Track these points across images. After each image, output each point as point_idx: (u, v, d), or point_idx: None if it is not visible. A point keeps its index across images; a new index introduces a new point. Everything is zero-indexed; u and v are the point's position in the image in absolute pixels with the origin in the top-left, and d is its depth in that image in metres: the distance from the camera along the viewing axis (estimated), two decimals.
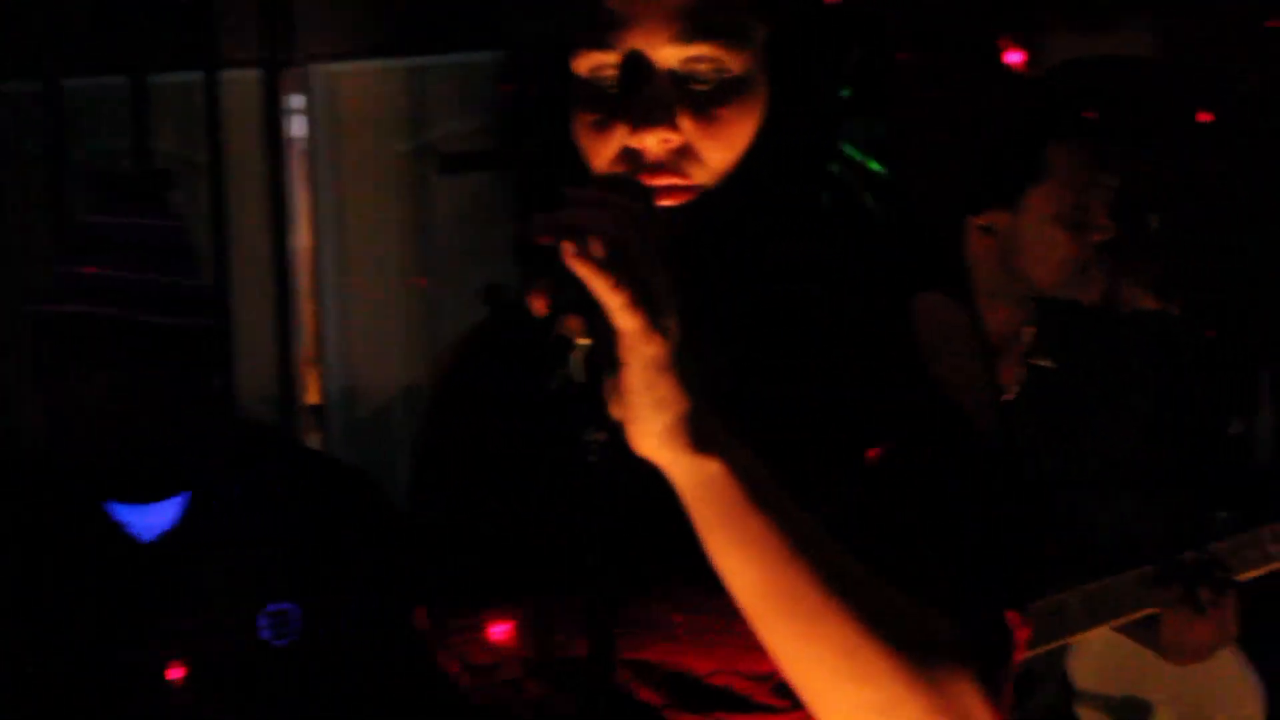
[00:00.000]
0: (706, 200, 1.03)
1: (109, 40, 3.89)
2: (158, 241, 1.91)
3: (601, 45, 1.00)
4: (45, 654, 1.83)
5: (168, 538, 1.91)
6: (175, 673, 1.81)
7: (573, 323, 0.89)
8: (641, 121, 0.99)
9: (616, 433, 0.92)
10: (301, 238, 4.03)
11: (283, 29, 3.86)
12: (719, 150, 1.02)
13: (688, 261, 0.97)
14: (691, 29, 0.99)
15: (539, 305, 0.87)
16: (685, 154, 1.02)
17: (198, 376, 1.91)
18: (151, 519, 1.92)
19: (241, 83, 3.89)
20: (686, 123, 1.00)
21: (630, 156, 1.02)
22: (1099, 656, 2.30)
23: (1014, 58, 2.84)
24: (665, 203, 1.01)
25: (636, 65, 1.00)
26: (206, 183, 3.84)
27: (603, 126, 1.02)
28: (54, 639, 1.85)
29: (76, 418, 1.83)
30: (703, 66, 1.00)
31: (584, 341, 0.89)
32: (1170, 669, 2.21)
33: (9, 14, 3.72)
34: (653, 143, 0.99)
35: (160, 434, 1.85)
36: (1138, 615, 2.07)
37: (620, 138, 1.01)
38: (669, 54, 0.99)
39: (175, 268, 1.90)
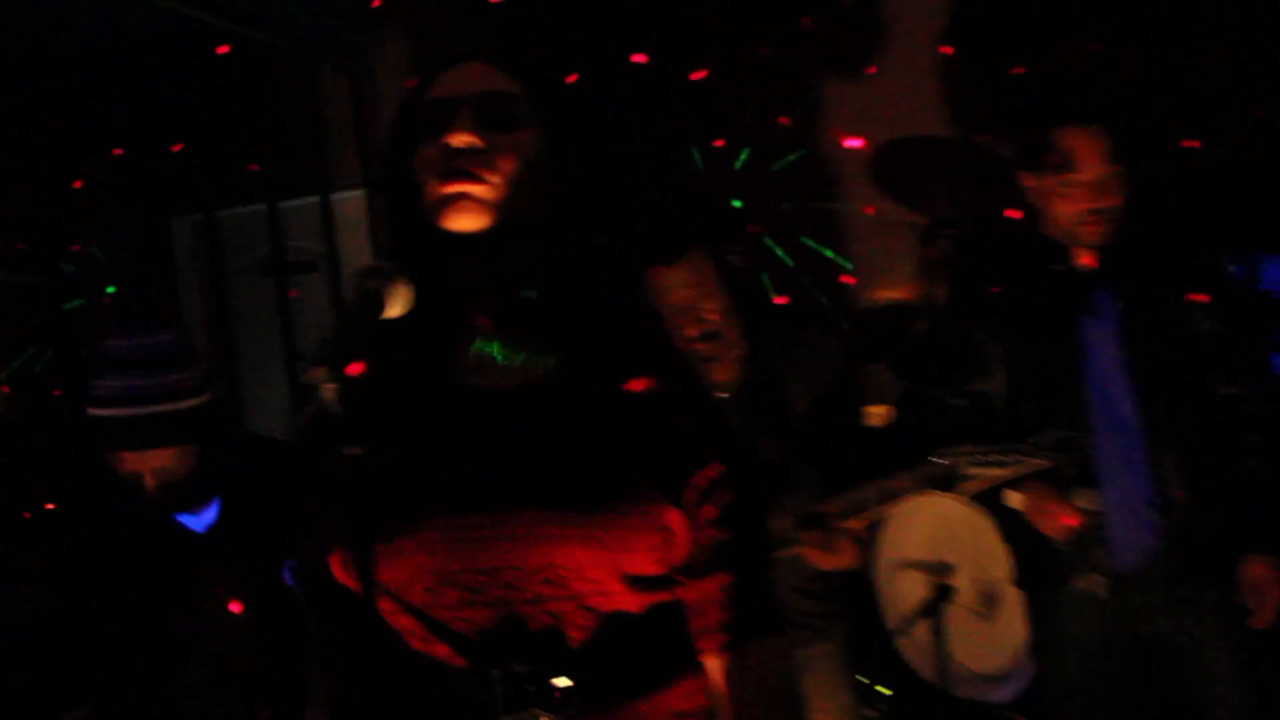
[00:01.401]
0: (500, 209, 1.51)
1: (250, 176, 5.07)
2: (160, 352, 2.46)
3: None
4: (124, 619, 2.54)
5: (212, 530, 2.58)
6: (235, 607, 2.49)
7: (317, 373, 1.33)
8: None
9: (374, 443, 1.35)
10: None
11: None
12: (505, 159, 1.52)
13: (501, 270, 1.53)
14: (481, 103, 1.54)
15: (317, 374, 1.33)
16: (481, 155, 1.51)
17: (209, 431, 2.50)
18: (200, 520, 2.59)
19: (348, 200, 5.24)
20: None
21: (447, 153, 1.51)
22: (925, 522, 3.51)
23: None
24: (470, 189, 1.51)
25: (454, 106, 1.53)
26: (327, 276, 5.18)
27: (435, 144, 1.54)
28: (129, 609, 2.56)
29: (135, 481, 2.46)
30: (496, 107, 1.54)
31: (330, 386, 1.32)
32: (967, 539, 3.44)
33: (173, 161, 4.91)
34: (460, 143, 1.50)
35: (194, 471, 2.46)
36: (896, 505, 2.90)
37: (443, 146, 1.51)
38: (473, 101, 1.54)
39: (178, 366, 2.47)
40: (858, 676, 3.43)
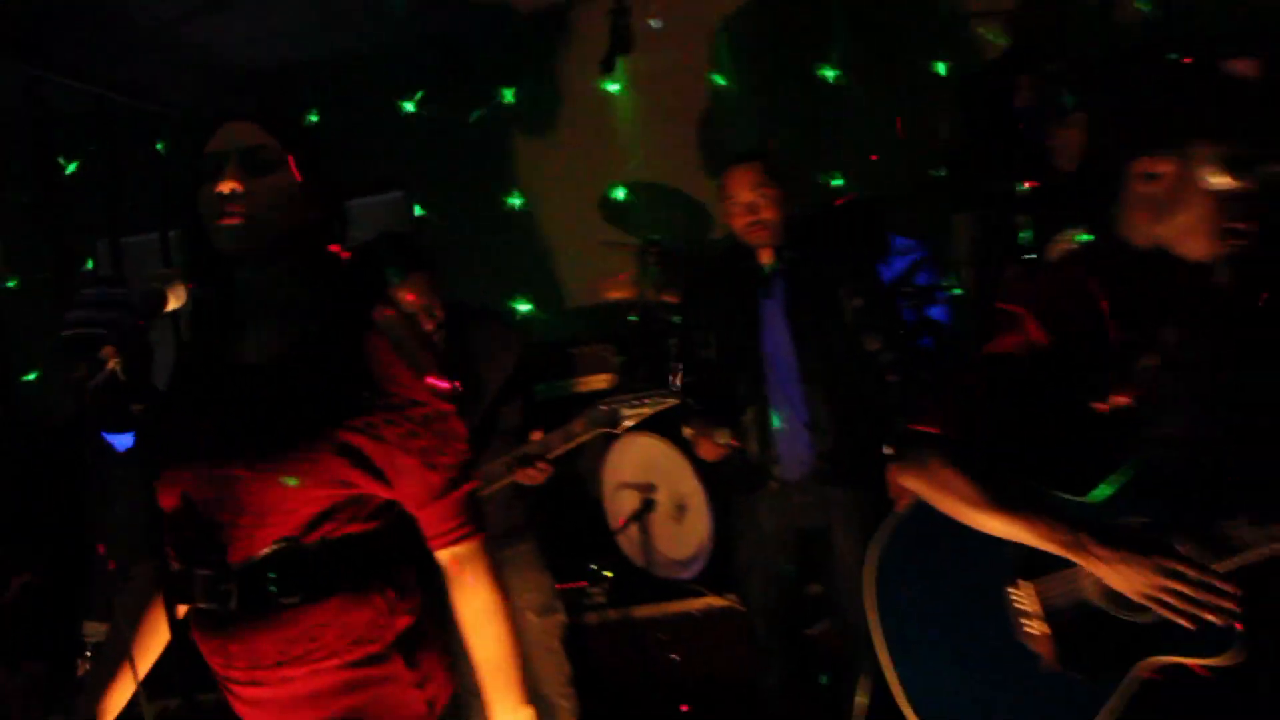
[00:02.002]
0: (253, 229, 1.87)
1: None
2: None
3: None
4: None
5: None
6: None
7: (108, 350, 1.66)
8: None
9: (152, 400, 1.67)
10: None
11: None
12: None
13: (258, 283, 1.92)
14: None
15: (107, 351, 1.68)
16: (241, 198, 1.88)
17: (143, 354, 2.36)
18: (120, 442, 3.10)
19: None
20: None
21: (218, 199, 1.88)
22: (635, 454, 4.74)
23: None
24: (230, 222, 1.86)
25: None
26: None
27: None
28: None
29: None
30: (255, 156, 1.91)
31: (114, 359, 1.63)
32: (665, 465, 4.69)
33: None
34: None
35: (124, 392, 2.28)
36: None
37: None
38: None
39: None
40: (591, 566, 4.61)
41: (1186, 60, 2.07)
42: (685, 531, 4.69)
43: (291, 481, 1.86)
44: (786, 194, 3.86)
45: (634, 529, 4.67)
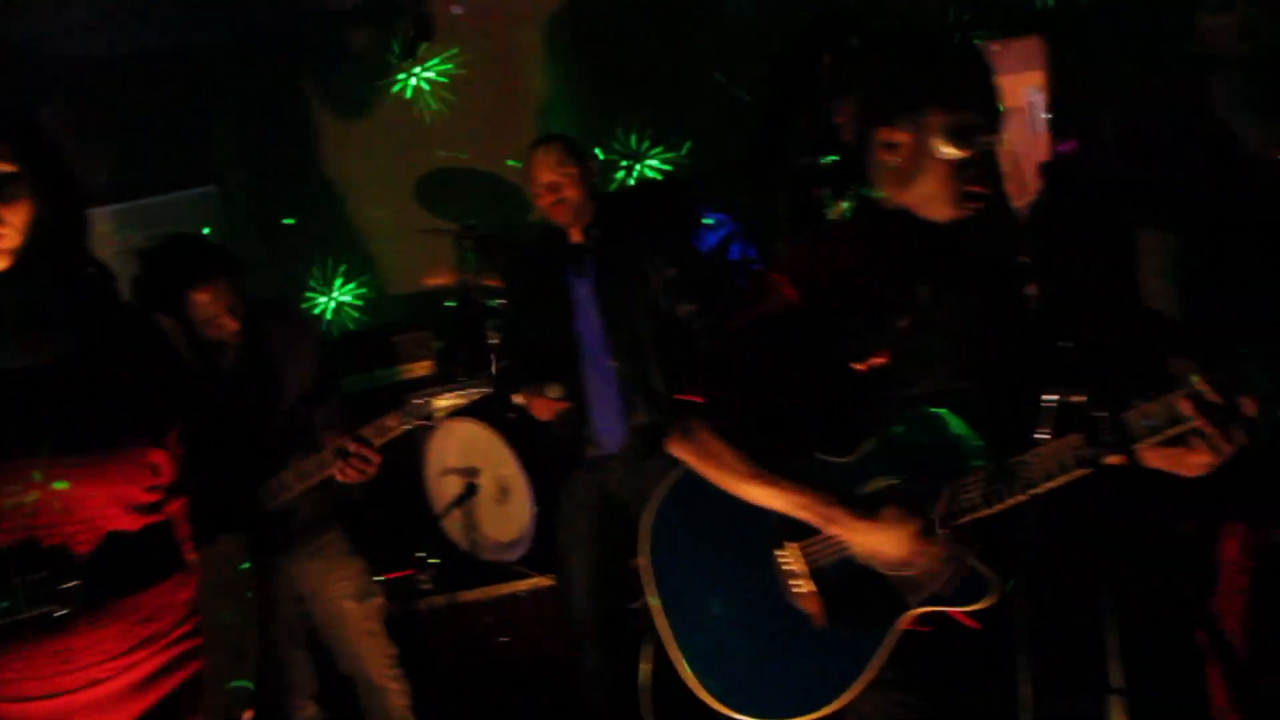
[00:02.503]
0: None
1: None
2: None
3: None
4: None
5: None
6: None
7: None
8: None
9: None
10: None
11: None
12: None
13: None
14: None
15: None
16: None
17: None
18: None
19: None
20: None
21: None
22: (457, 440, 4.77)
23: None
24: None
25: None
26: None
27: None
28: None
29: None
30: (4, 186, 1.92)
31: None
32: (486, 450, 4.74)
33: None
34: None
35: None
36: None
37: None
38: None
39: None
40: (417, 554, 4.61)
41: (923, 34, 2.16)
42: (509, 514, 4.73)
43: (107, 474, 1.95)
44: (589, 172, 3.93)
45: (458, 514, 4.70)
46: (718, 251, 5.15)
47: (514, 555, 4.72)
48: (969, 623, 2.13)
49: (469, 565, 4.75)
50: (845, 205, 3.56)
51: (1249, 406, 1.90)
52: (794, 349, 2.16)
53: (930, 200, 2.16)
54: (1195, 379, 1.91)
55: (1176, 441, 1.95)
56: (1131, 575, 1.58)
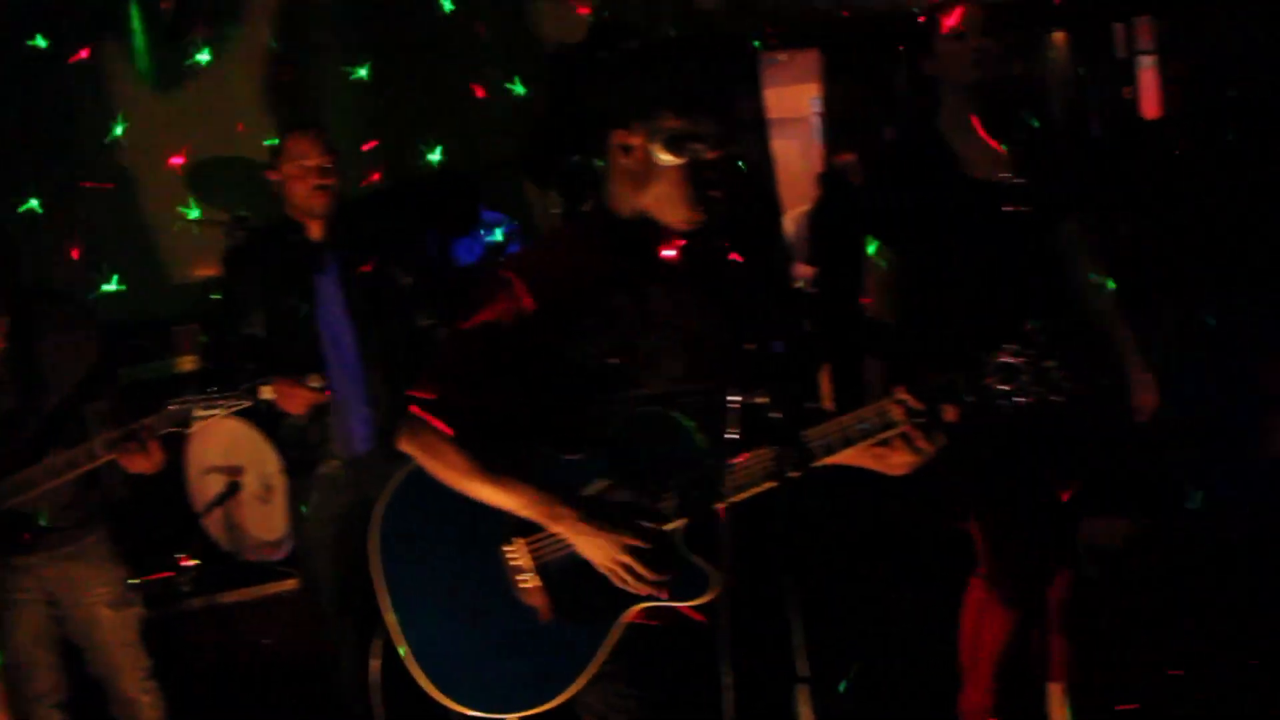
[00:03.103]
0: None
1: None
2: None
3: None
4: None
5: None
6: None
7: None
8: None
9: None
10: None
11: None
12: None
13: None
14: None
15: None
16: None
17: None
18: None
19: None
20: None
21: None
22: (219, 438, 4.66)
23: None
24: None
25: None
26: None
27: None
28: None
29: None
30: None
31: None
32: (249, 448, 4.66)
33: None
34: None
35: None
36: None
37: None
38: None
39: None
40: (176, 555, 4.51)
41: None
42: (273, 512, 4.68)
43: None
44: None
45: (219, 513, 4.63)
46: (495, 250, 5.14)
47: (280, 554, 4.67)
48: (694, 615, 2.20)
49: (232, 566, 4.67)
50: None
51: (950, 413, 2.08)
52: (525, 349, 2.18)
53: (664, 204, 2.21)
54: (900, 389, 2.08)
55: (883, 443, 2.10)
56: (815, 568, 1.67)
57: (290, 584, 4.55)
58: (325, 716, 4.02)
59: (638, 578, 2.10)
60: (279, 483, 4.56)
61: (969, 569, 3.43)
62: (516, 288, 2.19)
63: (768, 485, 2.08)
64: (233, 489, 4.63)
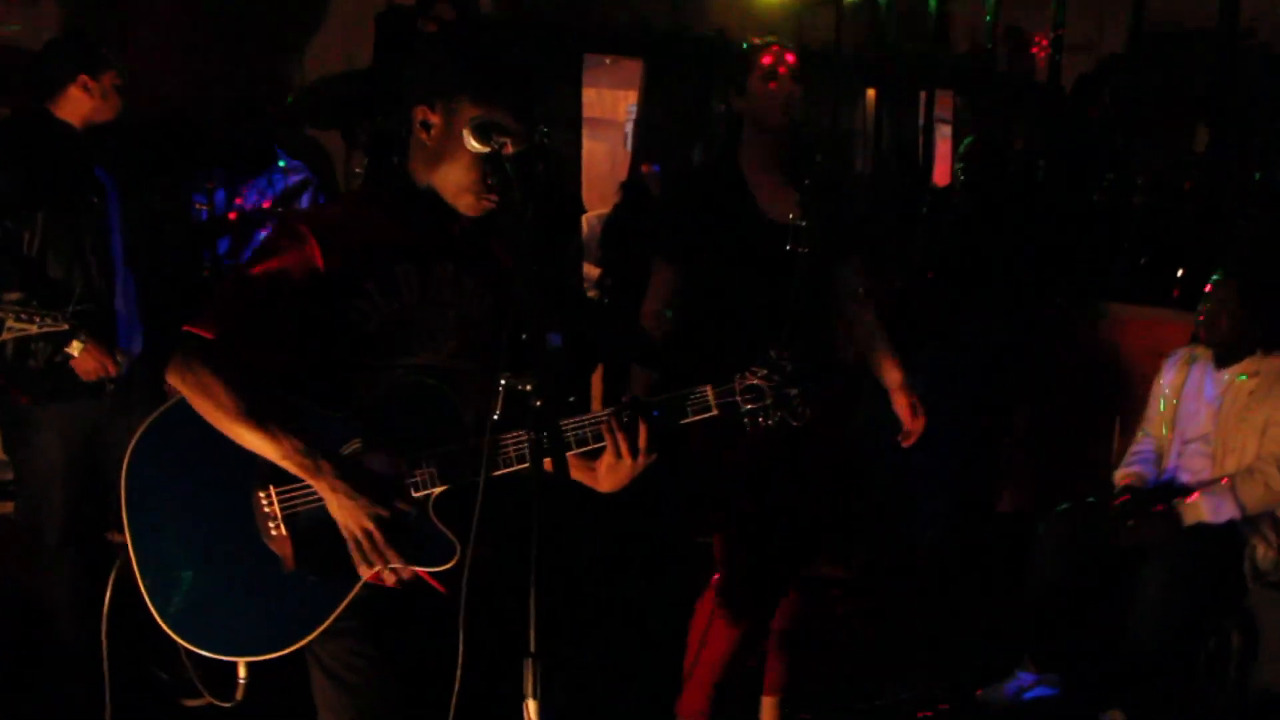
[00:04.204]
0: None
1: None
2: None
3: None
4: None
5: None
6: None
7: None
8: None
9: None
10: None
11: None
12: None
13: None
14: None
15: None
16: None
17: None
18: None
19: None
20: None
21: None
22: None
23: None
24: None
25: None
26: None
27: None
28: None
29: None
30: None
31: None
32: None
33: None
34: None
35: None
36: None
37: None
38: None
39: None
40: None
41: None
42: None
43: None
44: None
45: None
46: (286, 197, 5.05)
47: None
48: (434, 584, 2.26)
49: None
50: None
51: (644, 435, 2.22)
52: (305, 302, 2.20)
53: (452, 186, 2.27)
54: (620, 404, 2.22)
55: (591, 457, 2.26)
56: (560, 552, 1.77)
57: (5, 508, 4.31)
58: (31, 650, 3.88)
59: (375, 548, 2.16)
60: None
61: (705, 580, 3.62)
62: (310, 242, 2.21)
63: (520, 467, 2.17)
64: None
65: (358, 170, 5.37)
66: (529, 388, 1.99)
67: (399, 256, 2.27)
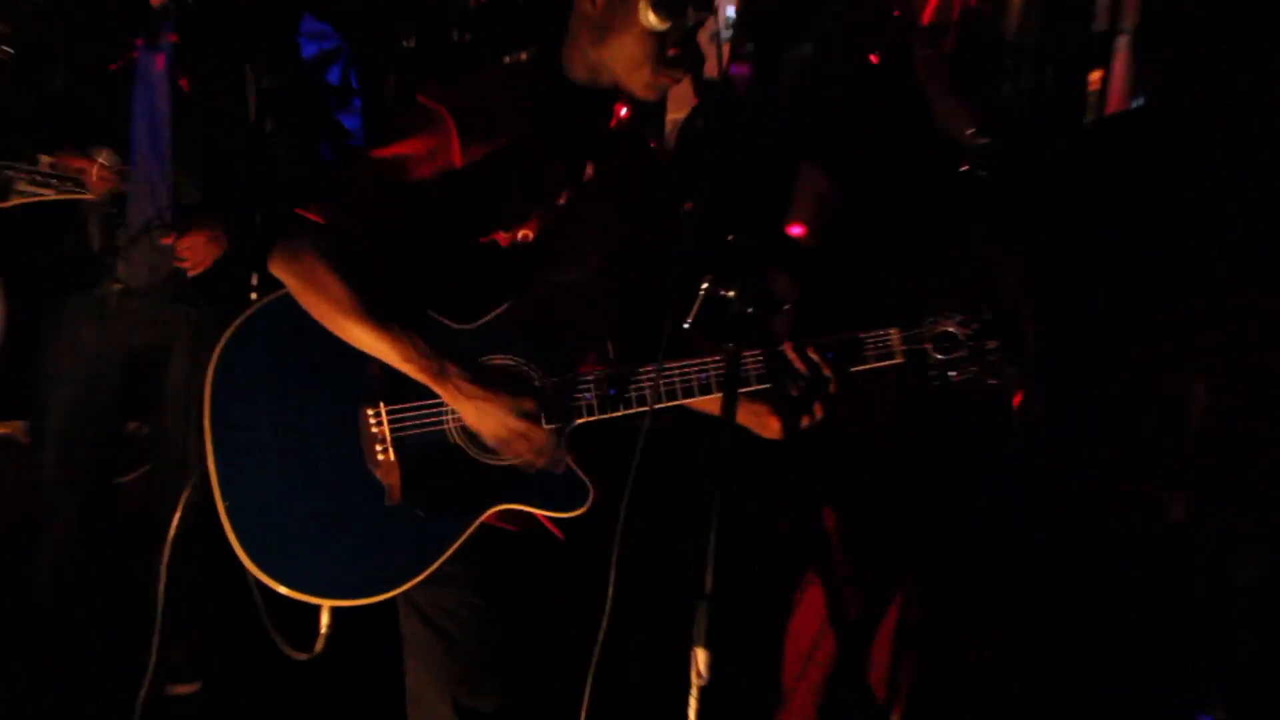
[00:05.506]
0: None
1: None
2: None
3: None
4: None
5: None
6: None
7: None
8: None
9: None
10: None
11: None
12: None
13: None
14: None
15: None
16: None
17: None
18: None
19: None
20: None
21: None
22: None
23: None
24: None
25: None
26: None
27: None
28: None
29: None
30: None
31: None
32: None
33: None
34: None
35: None
36: None
37: None
38: None
39: None
40: None
41: None
42: None
43: None
44: None
45: None
46: (312, 68, 4.44)
47: None
48: (554, 530, 1.97)
49: None
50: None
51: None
52: (435, 196, 1.89)
53: (624, 64, 1.92)
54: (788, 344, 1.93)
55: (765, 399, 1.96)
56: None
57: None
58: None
59: (534, 448, 1.87)
60: None
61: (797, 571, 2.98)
62: (448, 130, 1.88)
63: (703, 397, 1.89)
64: None
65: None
66: (733, 294, 1.66)
67: (545, 155, 1.95)
